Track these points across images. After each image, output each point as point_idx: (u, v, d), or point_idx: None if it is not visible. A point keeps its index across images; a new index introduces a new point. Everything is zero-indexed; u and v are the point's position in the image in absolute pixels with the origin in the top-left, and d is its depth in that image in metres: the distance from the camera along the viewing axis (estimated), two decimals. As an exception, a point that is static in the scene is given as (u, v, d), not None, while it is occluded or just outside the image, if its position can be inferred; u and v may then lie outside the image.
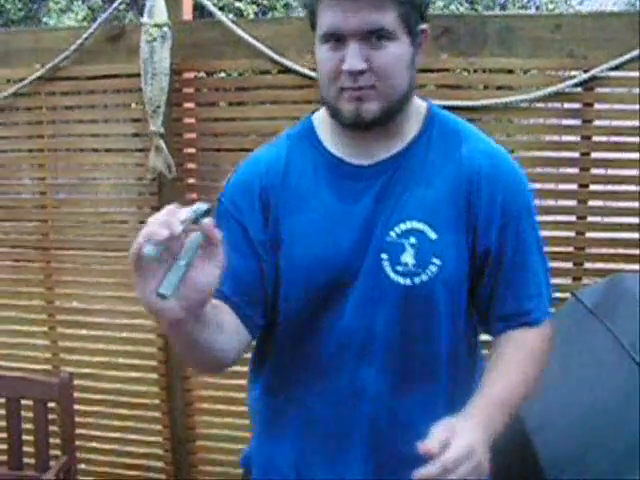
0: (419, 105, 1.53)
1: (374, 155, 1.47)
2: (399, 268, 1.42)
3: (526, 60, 2.62)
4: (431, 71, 2.66)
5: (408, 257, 1.42)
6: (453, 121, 1.55)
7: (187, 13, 2.91)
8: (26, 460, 2.74)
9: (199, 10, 3.21)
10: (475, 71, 2.81)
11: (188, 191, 2.98)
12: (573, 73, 2.62)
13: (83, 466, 3.20)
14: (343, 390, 1.50)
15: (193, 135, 3.00)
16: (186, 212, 1.12)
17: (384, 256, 1.43)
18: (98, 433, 3.29)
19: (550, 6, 12.05)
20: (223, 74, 3.20)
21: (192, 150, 2.98)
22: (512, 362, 1.47)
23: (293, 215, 1.49)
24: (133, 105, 3.11)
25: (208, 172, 3.05)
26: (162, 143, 2.79)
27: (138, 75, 2.79)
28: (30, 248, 3.24)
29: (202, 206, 1.15)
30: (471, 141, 1.50)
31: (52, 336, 3.27)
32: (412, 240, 1.42)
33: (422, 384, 1.50)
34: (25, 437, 2.75)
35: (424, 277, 1.42)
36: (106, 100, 3.21)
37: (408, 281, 1.42)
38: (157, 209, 2.91)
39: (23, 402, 2.72)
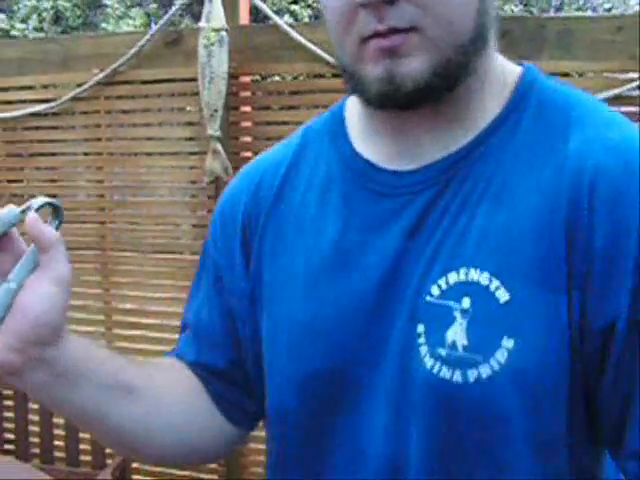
0: (506, 70, 0.93)
1: (420, 155, 0.88)
2: (442, 351, 0.81)
3: (586, 63, 2.58)
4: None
5: (458, 333, 0.81)
6: (563, 93, 0.91)
7: (244, 17, 2.94)
8: (83, 458, 2.78)
9: (254, 14, 3.24)
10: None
11: (244, 195, 2.99)
12: (633, 76, 2.58)
13: (136, 465, 3.24)
14: None
15: (249, 139, 3.02)
16: (4, 210, 0.81)
17: (420, 329, 0.83)
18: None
19: (607, 5, 11.82)
20: (277, 77, 3.21)
21: (248, 154, 3.00)
22: None
23: (278, 253, 0.95)
24: (189, 109, 3.15)
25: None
26: (219, 146, 2.82)
27: (195, 79, 2.83)
28: (87, 249, 3.30)
29: (36, 202, 0.81)
30: (588, 126, 0.84)
31: (108, 337, 3.32)
32: (466, 303, 0.81)
33: None
34: (81, 435, 2.79)
35: (485, 370, 0.79)
36: (163, 104, 3.25)
37: (458, 376, 0.80)
38: (213, 212, 2.97)
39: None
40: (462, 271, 0.82)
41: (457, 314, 0.82)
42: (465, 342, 0.80)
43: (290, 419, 0.93)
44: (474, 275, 0.82)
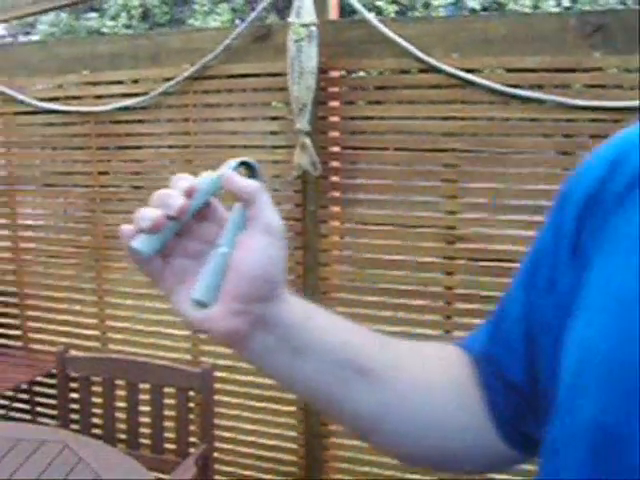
0: None
1: None
2: None
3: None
4: (584, 70, 2.57)
5: None
6: None
7: (333, 12, 2.94)
8: (167, 445, 2.83)
9: (343, 9, 3.23)
10: (629, 70, 2.70)
11: (332, 189, 3.01)
12: None
13: (217, 455, 3.29)
14: None
15: (337, 133, 3.02)
16: (201, 179, 0.74)
17: None
18: (234, 424, 3.37)
19: None
20: (362, 73, 3.21)
21: (336, 148, 3.00)
22: None
23: (608, 260, 0.67)
24: (277, 103, 3.17)
25: (352, 170, 3.06)
26: (308, 141, 2.83)
27: (283, 74, 2.85)
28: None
29: (230, 164, 0.75)
30: None
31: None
32: None
33: None
34: (166, 424, 2.84)
35: None
36: (251, 98, 3.28)
37: None
38: (300, 206, 2.98)
39: (165, 390, 2.82)
40: None
41: None
42: None
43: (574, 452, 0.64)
44: None
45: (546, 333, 0.75)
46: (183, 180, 0.72)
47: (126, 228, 0.71)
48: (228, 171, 0.73)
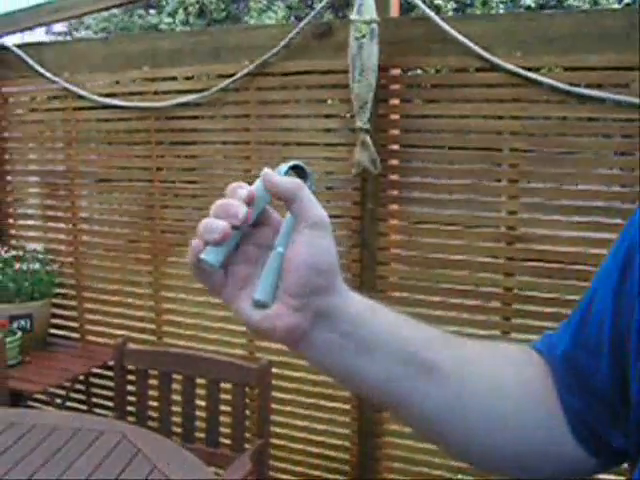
0: None
1: None
2: None
3: None
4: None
5: None
6: None
7: (394, 10, 2.93)
8: (222, 440, 2.85)
9: (404, 6, 3.22)
10: None
11: (390, 187, 2.99)
12: None
13: (272, 451, 3.30)
14: None
15: (397, 131, 3.01)
16: (280, 182, 0.73)
17: None
18: (287, 420, 3.38)
19: None
20: (419, 71, 3.19)
21: (396, 146, 2.99)
22: None
23: None
24: (337, 101, 3.17)
25: (411, 169, 3.04)
26: (368, 139, 2.82)
27: (343, 72, 2.84)
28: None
29: (281, 168, 0.76)
30: None
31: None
32: None
33: None
34: (221, 419, 2.86)
35: None
36: (311, 95, 3.28)
37: None
38: (359, 204, 2.98)
39: (222, 385, 2.84)
40: None
41: None
42: None
43: None
44: None
45: (638, 341, 0.72)
46: (241, 188, 0.73)
47: (196, 243, 0.71)
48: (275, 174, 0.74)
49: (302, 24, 3.02)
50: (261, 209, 0.75)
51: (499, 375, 0.82)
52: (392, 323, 0.79)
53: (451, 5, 9.26)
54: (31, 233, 4.04)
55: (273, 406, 3.10)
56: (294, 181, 0.73)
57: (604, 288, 0.79)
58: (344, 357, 0.76)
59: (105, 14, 12.18)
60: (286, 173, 0.75)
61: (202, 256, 0.71)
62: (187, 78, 3.45)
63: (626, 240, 0.78)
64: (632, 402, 0.73)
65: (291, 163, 0.76)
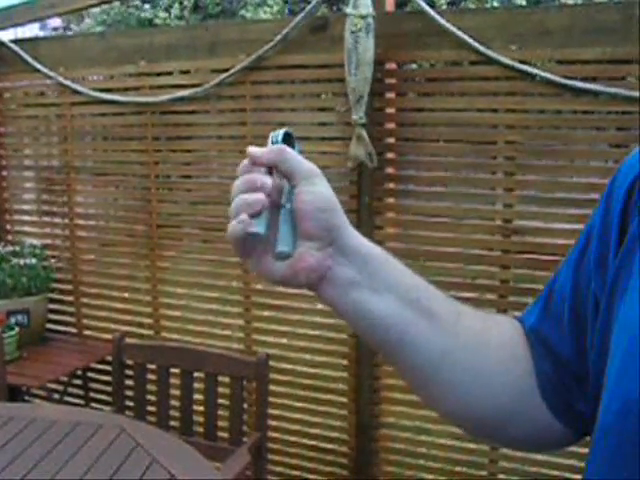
0: None
1: None
2: None
3: None
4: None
5: None
6: None
7: (389, 4, 2.93)
8: (219, 433, 2.86)
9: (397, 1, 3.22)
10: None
11: (387, 180, 3.00)
12: None
13: (269, 444, 3.31)
14: None
15: (393, 125, 3.02)
16: (263, 152, 0.80)
17: None
18: (284, 413, 3.39)
19: None
20: (414, 65, 3.19)
21: (392, 140, 3.00)
22: None
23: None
24: (333, 94, 3.17)
25: (407, 162, 3.05)
26: (364, 133, 2.82)
27: (339, 65, 2.85)
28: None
29: (278, 133, 0.84)
30: None
31: (246, 317, 3.40)
32: None
33: None
34: (219, 412, 2.87)
35: None
36: (307, 89, 3.28)
37: None
38: (355, 198, 2.98)
39: (220, 379, 2.85)
40: None
41: None
42: None
43: (607, 440, 0.68)
44: None
45: (594, 312, 0.78)
46: (256, 162, 0.80)
47: (241, 219, 0.77)
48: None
49: (298, 18, 3.02)
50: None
51: (488, 333, 0.88)
52: (397, 268, 0.85)
53: (444, -1, 9.27)
54: (28, 228, 4.04)
55: (270, 399, 3.12)
56: (273, 149, 0.80)
57: (567, 263, 0.87)
58: (358, 293, 0.82)
59: (105, 7, 12.15)
60: (283, 140, 0.83)
61: (251, 229, 0.77)
62: (183, 72, 3.44)
63: (590, 221, 0.84)
64: (589, 371, 0.78)
65: (282, 131, 0.84)
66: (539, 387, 0.86)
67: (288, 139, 0.84)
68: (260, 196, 0.77)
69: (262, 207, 0.77)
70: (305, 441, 3.40)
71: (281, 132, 0.84)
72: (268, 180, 0.78)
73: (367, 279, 0.82)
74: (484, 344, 0.87)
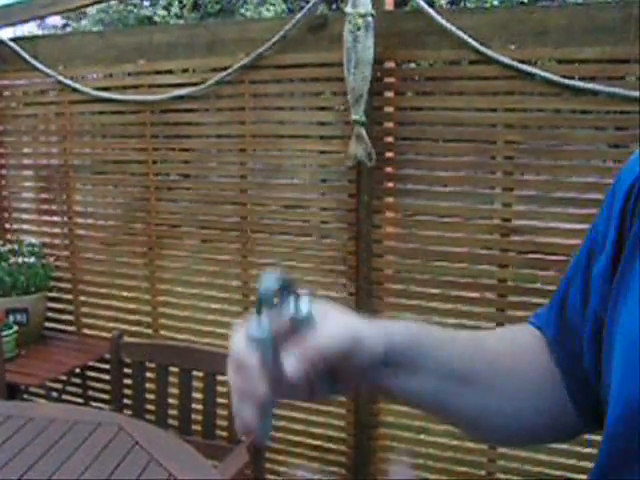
0: None
1: None
2: None
3: None
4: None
5: None
6: None
7: (389, 3, 2.93)
8: (218, 432, 2.86)
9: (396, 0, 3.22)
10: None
11: (386, 180, 3.00)
12: None
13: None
14: None
15: (392, 124, 3.02)
16: (252, 330, 0.73)
17: None
18: (283, 412, 3.38)
19: None
20: (412, 64, 3.18)
21: (391, 139, 3.00)
22: None
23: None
24: (332, 93, 3.17)
25: (406, 161, 3.05)
26: (363, 131, 2.82)
27: (338, 64, 2.85)
28: (229, 230, 3.38)
29: (267, 288, 0.71)
30: None
31: (245, 315, 3.39)
32: None
33: None
34: (218, 411, 2.86)
35: None
36: (306, 88, 3.28)
37: None
38: (354, 197, 2.98)
39: (218, 378, 2.85)
40: None
41: None
42: None
43: (611, 443, 0.69)
44: None
45: (596, 304, 0.78)
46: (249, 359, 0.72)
47: (247, 421, 0.71)
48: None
49: (297, 17, 3.02)
50: (268, 347, 0.71)
51: (518, 367, 0.87)
52: (429, 344, 0.82)
53: (445, -2, 9.26)
54: (26, 227, 4.04)
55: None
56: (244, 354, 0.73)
57: (577, 269, 0.85)
58: (388, 380, 0.80)
59: (102, 5, 12.16)
60: (272, 293, 0.71)
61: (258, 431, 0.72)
62: (182, 71, 3.44)
63: (592, 231, 0.83)
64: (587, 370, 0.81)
65: (272, 281, 0.71)
66: (570, 396, 0.85)
67: (285, 287, 0.71)
68: (253, 411, 0.71)
69: (262, 410, 0.71)
70: (303, 440, 3.40)
71: (271, 284, 0.70)
72: (262, 389, 0.71)
73: (396, 374, 0.80)
74: (517, 379, 0.87)
